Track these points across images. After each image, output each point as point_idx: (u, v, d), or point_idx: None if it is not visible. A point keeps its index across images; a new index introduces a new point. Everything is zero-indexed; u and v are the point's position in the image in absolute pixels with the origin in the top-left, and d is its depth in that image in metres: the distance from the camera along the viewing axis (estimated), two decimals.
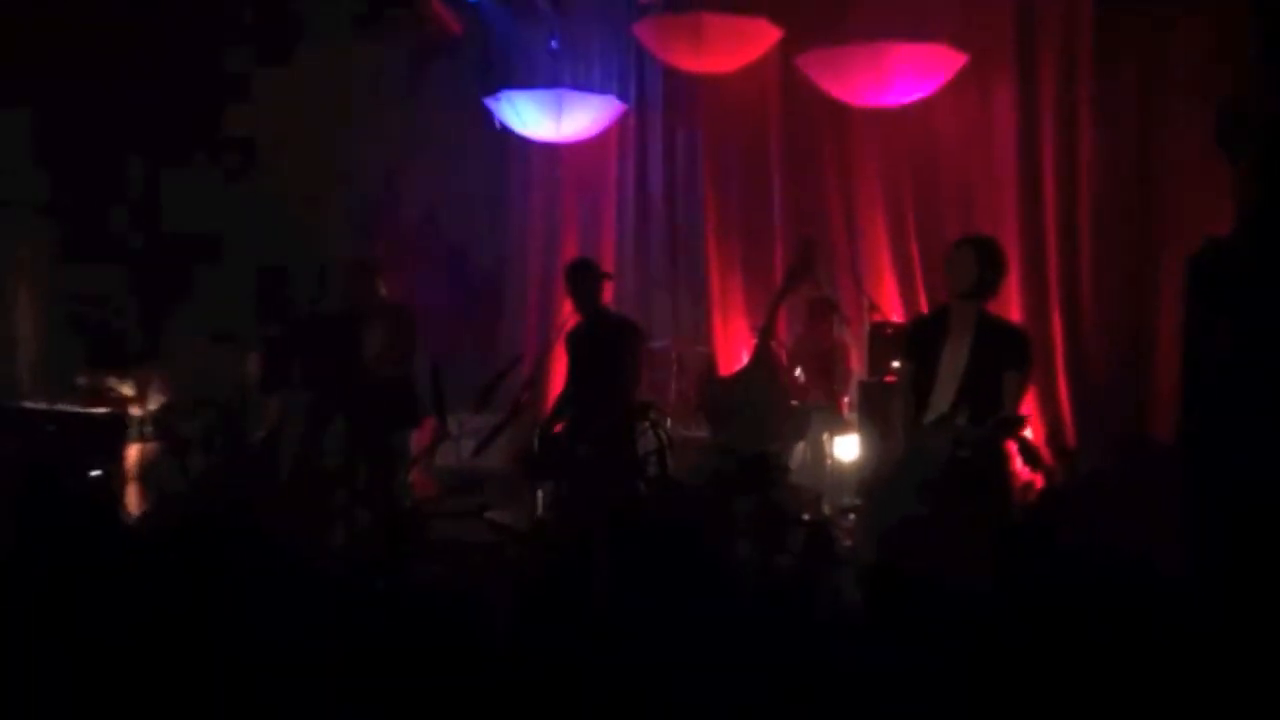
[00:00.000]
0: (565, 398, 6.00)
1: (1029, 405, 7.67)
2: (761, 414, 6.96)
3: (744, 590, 2.29)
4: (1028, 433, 7.52)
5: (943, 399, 4.80)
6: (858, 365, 7.97)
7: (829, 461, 7.40)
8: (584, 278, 6.01)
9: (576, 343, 6.05)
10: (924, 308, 8.12)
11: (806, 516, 6.52)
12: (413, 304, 7.31)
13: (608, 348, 5.88)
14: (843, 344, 7.88)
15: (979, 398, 4.69)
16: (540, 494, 6.14)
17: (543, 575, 2.60)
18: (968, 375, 4.75)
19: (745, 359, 7.96)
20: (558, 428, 5.74)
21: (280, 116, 7.50)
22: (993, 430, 4.49)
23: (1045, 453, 6.64)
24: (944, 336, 4.85)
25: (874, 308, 7.97)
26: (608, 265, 8.60)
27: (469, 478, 6.85)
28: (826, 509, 7.11)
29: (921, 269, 8.43)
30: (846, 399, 7.77)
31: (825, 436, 7.46)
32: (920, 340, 5.01)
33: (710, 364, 8.65)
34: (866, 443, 7.07)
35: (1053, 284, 8.09)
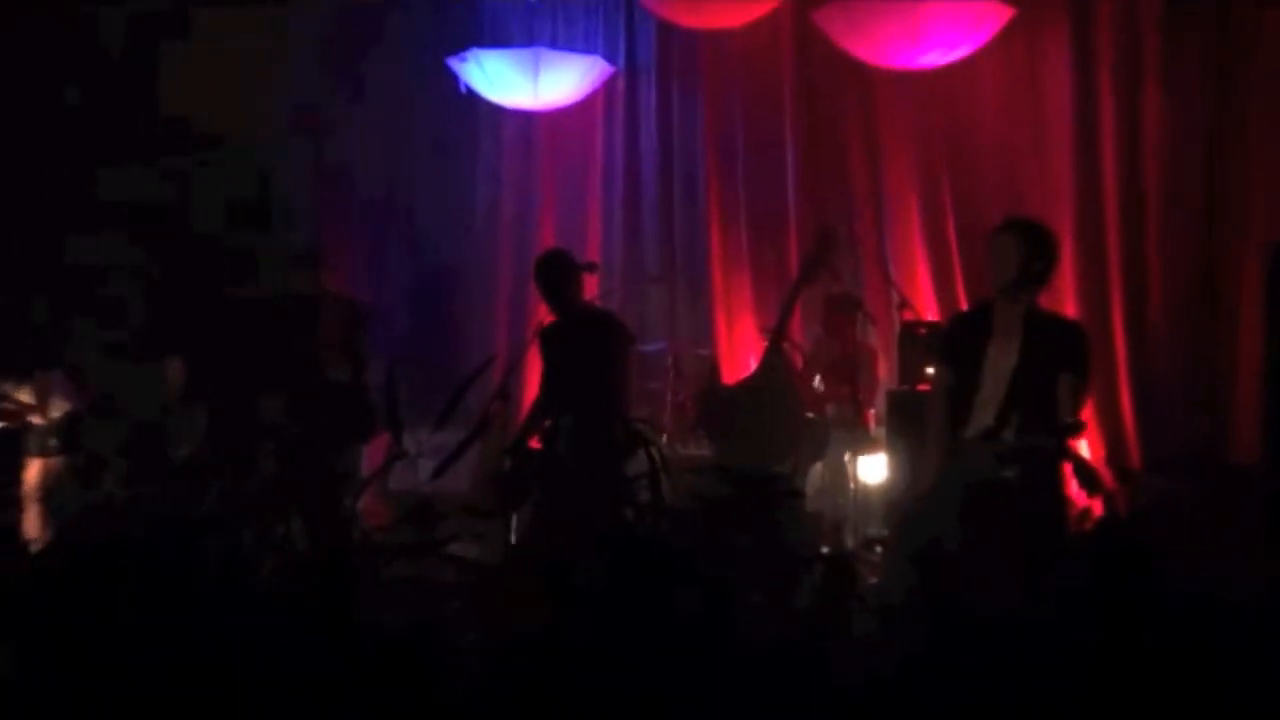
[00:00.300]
0: (539, 407, 5.97)
1: (1086, 419, 7.66)
2: (772, 429, 6.93)
3: (746, 643, 2.27)
4: (1084, 449, 7.59)
5: (987, 410, 4.76)
6: (886, 372, 7.97)
7: (852, 485, 7.39)
8: (558, 273, 5.93)
9: (552, 343, 6.01)
10: (963, 304, 8.12)
11: (825, 550, 6.56)
12: (362, 299, 7.30)
13: (589, 351, 5.84)
14: (868, 347, 7.87)
15: (1029, 407, 4.66)
16: (514, 522, 6.15)
17: (515, 621, 2.57)
18: (1016, 381, 4.71)
19: (753, 365, 7.94)
20: (533, 443, 5.73)
21: (210, 86, 7.52)
22: (1050, 440, 4.47)
23: (1105, 474, 6.63)
24: (987, 337, 4.81)
25: (905, 304, 7.97)
26: (592, 255, 8.63)
27: (429, 504, 6.82)
28: (849, 541, 7.09)
29: (960, 259, 8.43)
30: (872, 411, 7.77)
31: (847, 456, 7.45)
32: (960, 342, 4.97)
33: (712, 371, 8.66)
34: (896, 463, 7.07)
35: (1114, 276, 8.09)
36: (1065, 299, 7.83)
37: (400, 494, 7.75)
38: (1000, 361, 4.79)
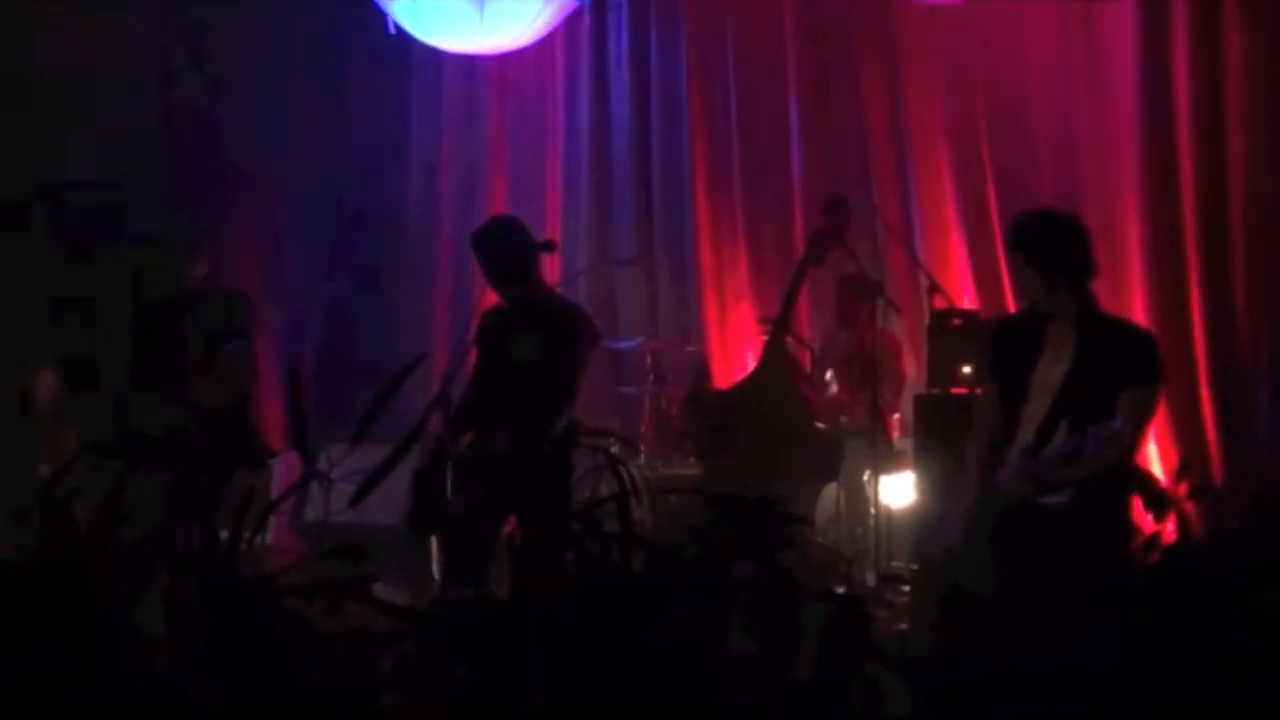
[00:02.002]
0: (464, 412, 5.94)
1: (1158, 431, 7.69)
2: (774, 442, 6.95)
3: (742, 703, 2.27)
4: (1153, 463, 7.62)
5: (1030, 426, 4.84)
6: (913, 371, 8.00)
7: (873, 510, 7.39)
8: (508, 248, 5.88)
9: (493, 336, 5.98)
10: (1007, 289, 8.13)
11: (841, 590, 6.56)
12: (259, 290, 7.32)
13: (542, 350, 5.82)
14: (891, 341, 7.88)
15: (1079, 426, 4.69)
16: (435, 559, 6.21)
17: (450, 678, 2.57)
18: (1065, 392, 4.80)
19: (751, 364, 7.95)
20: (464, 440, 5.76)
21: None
22: (1099, 451, 4.53)
23: (1179, 492, 6.63)
24: (1039, 344, 4.91)
25: (936, 289, 7.96)
26: (551, 232, 8.62)
27: (349, 537, 6.84)
28: (871, 579, 7.11)
29: (1003, 233, 8.41)
30: (897, 419, 7.78)
31: (867, 475, 7.45)
32: (1005, 351, 5.09)
33: (701, 372, 8.68)
34: (926, 482, 7.07)
35: (1191, 269, 8.09)
36: (1133, 298, 7.86)
37: (316, 525, 7.76)
38: (1050, 370, 4.85)
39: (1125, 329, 5.11)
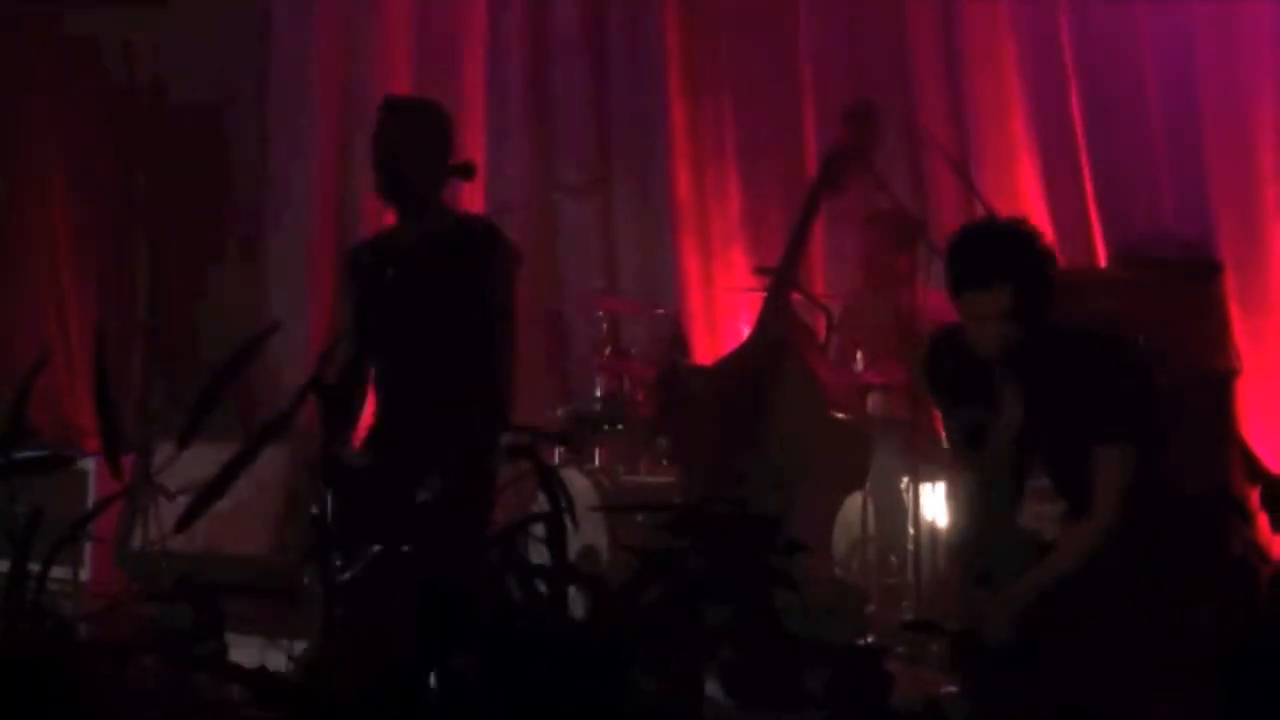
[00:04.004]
0: (349, 396, 5.89)
1: None
2: (776, 439, 6.93)
3: None
4: None
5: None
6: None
7: (912, 530, 7.39)
8: (415, 145, 5.79)
9: (371, 278, 5.90)
10: (1097, 232, 8.15)
11: (870, 639, 6.54)
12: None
13: (445, 289, 5.74)
14: (936, 304, 7.85)
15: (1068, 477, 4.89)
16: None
17: None
18: (1028, 449, 4.95)
19: (745, 332, 7.92)
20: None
21: None
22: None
23: None
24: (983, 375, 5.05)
25: None
26: (471, 152, 8.57)
27: (193, 573, 6.83)
28: (905, 612, 7.10)
29: (1091, 155, 8.44)
30: None
31: (905, 482, 7.46)
32: (951, 384, 5.22)
33: (675, 342, 8.71)
34: None
35: None
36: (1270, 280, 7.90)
37: (147, 557, 7.75)
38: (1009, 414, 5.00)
39: (1089, 355, 5.12)
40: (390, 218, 5.92)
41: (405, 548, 5.12)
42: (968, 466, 5.16)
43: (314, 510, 5.88)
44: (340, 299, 6.06)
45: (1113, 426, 4.86)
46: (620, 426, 8.17)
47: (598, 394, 8.41)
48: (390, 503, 5.26)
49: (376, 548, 5.09)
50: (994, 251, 4.98)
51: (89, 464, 8.23)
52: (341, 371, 5.88)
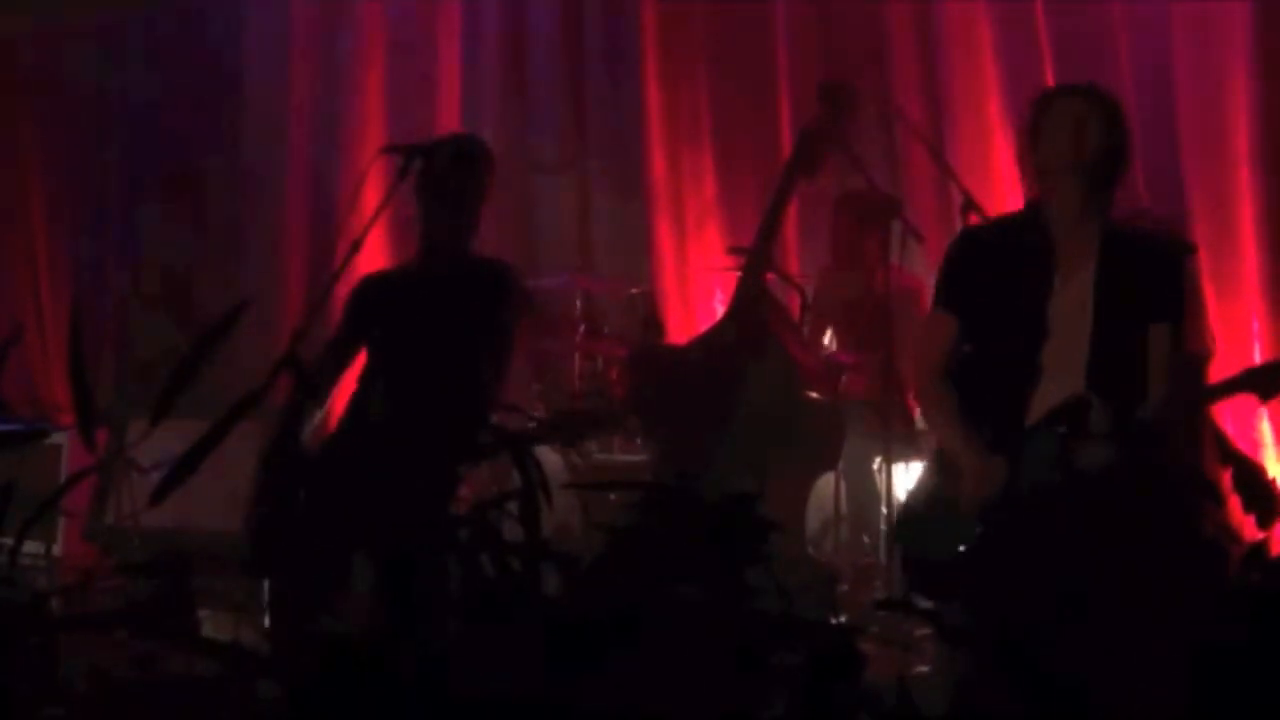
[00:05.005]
0: (325, 380, 5.93)
1: (1276, 416, 7.73)
2: (748, 418, 6.93)
3: None
4: (1268, 452, 7.63)
5: (1056, 383, 4.91)
6: None
7: (885, 510, 7.40)
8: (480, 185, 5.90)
9: (382, 312, 5.97)
10: None
11: (842, 619, 6.54)
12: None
13: (458, 328, 5.82)
14: (911, 284, 7.88)
15: (1118, 378, 4.84)
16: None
17: None
18: (1097, 337, 4.90)
19: (719, 311, 7.92)
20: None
21: None
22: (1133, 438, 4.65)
23: None
24: (1046, 262, 4.98)
25: (973, 207, 7.93)
26: (444, 126, 8.61)
27: (166, 547, 6.83)
28: (878, 592, 7.10)
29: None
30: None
31: (878, 463, 7.47)
32: (993, 269, 5.15)
33: (649, 321, 8.72)
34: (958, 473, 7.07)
35: None
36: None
37: (119, 532, 7.75)
38: (1069, 305, 4.89)
39: (1153, 241, 5.22)
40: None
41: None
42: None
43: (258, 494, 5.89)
44: (340, 323, 6.10)
45: (1173, 306, 4.92)
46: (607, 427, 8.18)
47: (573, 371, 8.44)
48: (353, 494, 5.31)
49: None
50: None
51: (62, 438, 8.25)
52: (317, 376, 5.95)
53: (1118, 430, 4.74)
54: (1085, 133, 4.94)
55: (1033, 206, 5.13)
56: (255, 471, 6.07)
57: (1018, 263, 5.05)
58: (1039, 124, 5.03)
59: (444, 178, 5.87)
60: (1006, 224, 5.44)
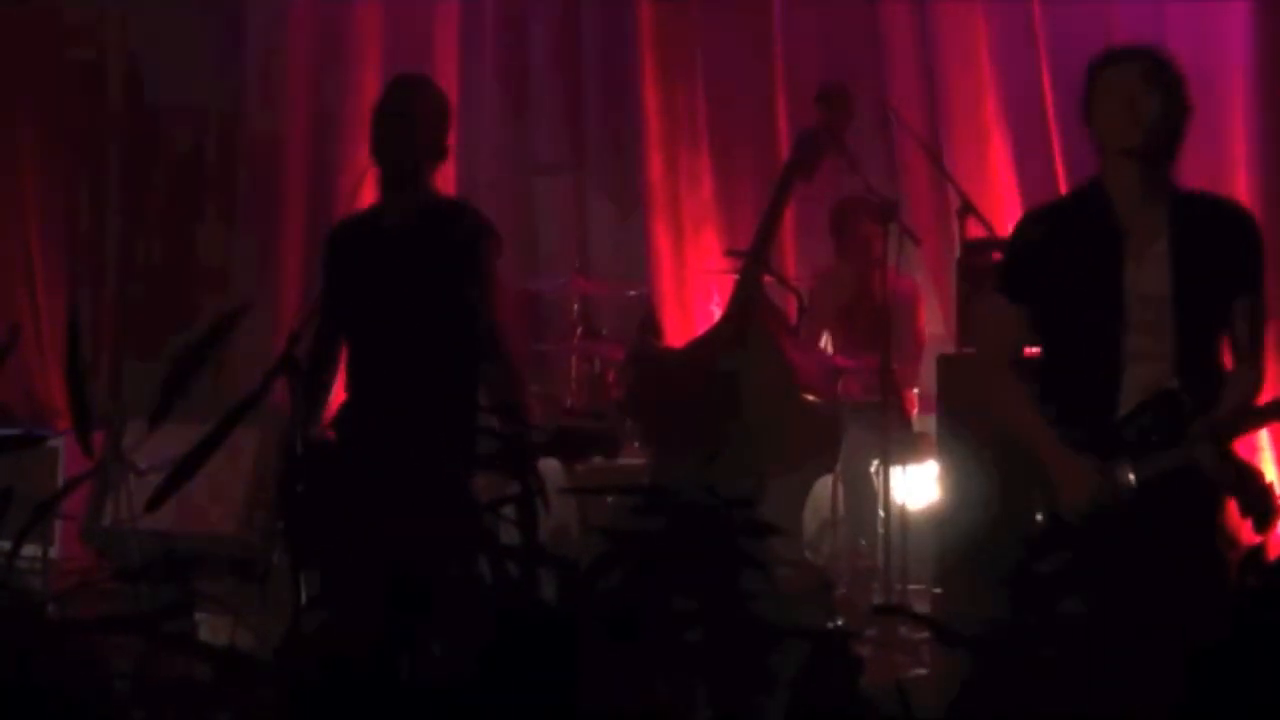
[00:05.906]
0: (319, 374, 5.87)
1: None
2: (746, 421, 6.92)
3: None
4: (1264, 459, 7.64)
5: (1145, 367, 4.76)
6: (937, 325, 8.09)
7: (882, 513, 7.39)
8: (436, 121, 5.77)
9: (355, 258, 5.86)
10: None
11: (840, 623, 6.54)
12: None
13: (429, 271, 5.72)
14: (907, 288, 7.88)
15: (1204, 361, 4.75)
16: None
17: None
18: (1180, 315, 4.75)
19: (716, 313, 7.92)
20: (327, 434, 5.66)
21: None
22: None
23: None
24: (1116, 241, 4.87)
25: (969, 210, 7.95)
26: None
27: (166, 551, 6.81)
28: (877, 598, 7.10)
29: (1061, 138, 8.44)
30: (916, 392, 7.85)
31: (875, 465, 7.46)
32: (1054, 253, 4.96)
33: (647, 323, 8.73)
34: (954, 475, 7.06)
35: None
36: None
37: (118, 534, 7.74)
38: (1146, 283, 4.81)
39: (1226, 208, 5.09)
40: (368, 198, 5.92)
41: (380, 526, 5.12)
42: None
43: (279, 490, 5.84)
44: (320, 277, 6.02)
45: (1253, 276, 4.82)
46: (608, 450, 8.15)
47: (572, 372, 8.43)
48: (363, 482, 5.24)
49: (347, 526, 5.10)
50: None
51: (59, 442, 8.24)
52: (314, 349, 5.88)
53: (1203, 425, 4.64)
54: (1138, 111, 4.75)
55: (1095, 182, 4.97)
56: (264, 470, 6.03)
57: (1085, 243, 4.89)
58: (1091, 96, 4.87)
59: (387, 102, 5.80)
60: (1069, 204, 5.31)
